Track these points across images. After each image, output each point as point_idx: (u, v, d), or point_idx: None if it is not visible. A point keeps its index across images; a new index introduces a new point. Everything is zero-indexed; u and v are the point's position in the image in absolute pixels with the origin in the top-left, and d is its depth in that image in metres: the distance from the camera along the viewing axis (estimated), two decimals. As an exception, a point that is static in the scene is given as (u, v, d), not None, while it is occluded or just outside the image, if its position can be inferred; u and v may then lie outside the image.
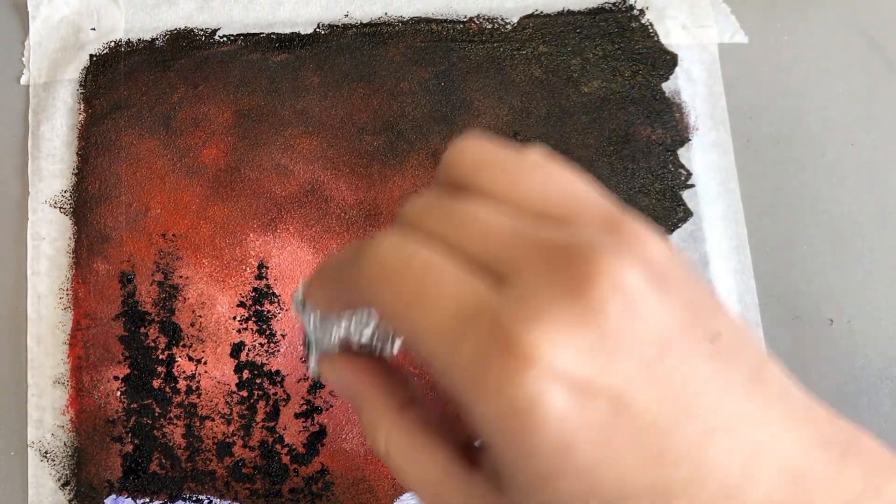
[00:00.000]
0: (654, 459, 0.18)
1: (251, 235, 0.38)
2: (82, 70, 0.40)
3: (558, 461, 0.18)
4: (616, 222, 0.20)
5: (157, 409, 0.36)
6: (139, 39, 0.40)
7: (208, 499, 0.35)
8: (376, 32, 0.40)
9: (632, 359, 0.18)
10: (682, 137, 0.39)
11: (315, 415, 0.36)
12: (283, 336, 0.36)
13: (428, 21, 0.41)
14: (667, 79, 0.40)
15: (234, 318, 0.37)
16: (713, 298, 0.20)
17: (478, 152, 0.22)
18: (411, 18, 0.41)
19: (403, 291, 0.20)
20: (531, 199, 0.21)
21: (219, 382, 0.36)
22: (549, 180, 0.21)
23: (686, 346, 0.18)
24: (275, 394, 0.36)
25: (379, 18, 0.41)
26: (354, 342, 0.23)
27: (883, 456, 0.20)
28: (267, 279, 0.37)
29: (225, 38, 0.40)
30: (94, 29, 0.40)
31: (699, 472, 0.18)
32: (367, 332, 0.24)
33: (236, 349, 0.36)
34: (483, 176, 0.21)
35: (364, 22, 0.41)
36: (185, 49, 0.40)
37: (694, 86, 0.40)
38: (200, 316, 0.37)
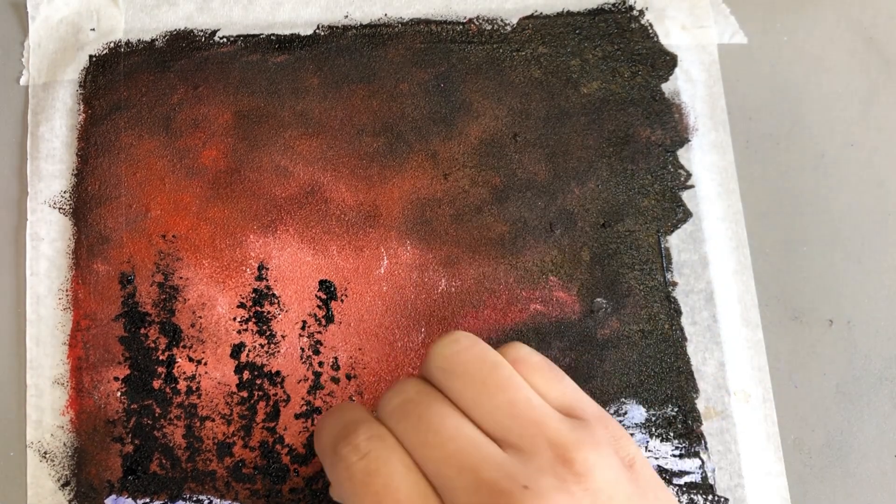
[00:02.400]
0: None
1: (251, 237, 0.38)
2: (82, 71, 0.40)
3: None
4: (567, 455, 0.22)
5: (158, 410, 0.36)
6: (139, 40, 0.40)
7: (209, 499, 0.35)
8: (376, 34, 0.40)
9: None
10: (682, 138, 0.39)
11: (315, 415, 0.36)
12: (283, 337, 0.36)
13: (427, 22, 0.41)
14: (666, 79, 0.40)
15: (235, 318, 0.37)
16: None
17: (455, 357, 0.24)
18: (411, 20, 0.41)
19: (364, 498, 0.22)
20: (494, 421, 0.23)
21: (219, 383, 0.36)
22: (515, 401, 0.23)
23: None
24: (275, 394, 0.36)
25: (378, 20, 0.41)
26: None
27: None
28: (267, 280, 0.37)
29: (225, 39, 0.40)
30: (93, 29, 0.40)
31: None
32: None
33: (236, 350, 0.36)
34: (455, 385, 0.24)
35: (364, 23, 0.41)
36: (184, 50, 0.40)
37: (693, 86, 0.40)
38: (201, 317, 0.37)
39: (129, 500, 0.35)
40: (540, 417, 0.23)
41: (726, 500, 0.35)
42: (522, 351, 0.26)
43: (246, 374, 0.36)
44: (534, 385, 0.25)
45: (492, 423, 0.23)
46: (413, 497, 0.22)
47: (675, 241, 0.38)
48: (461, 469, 0.22)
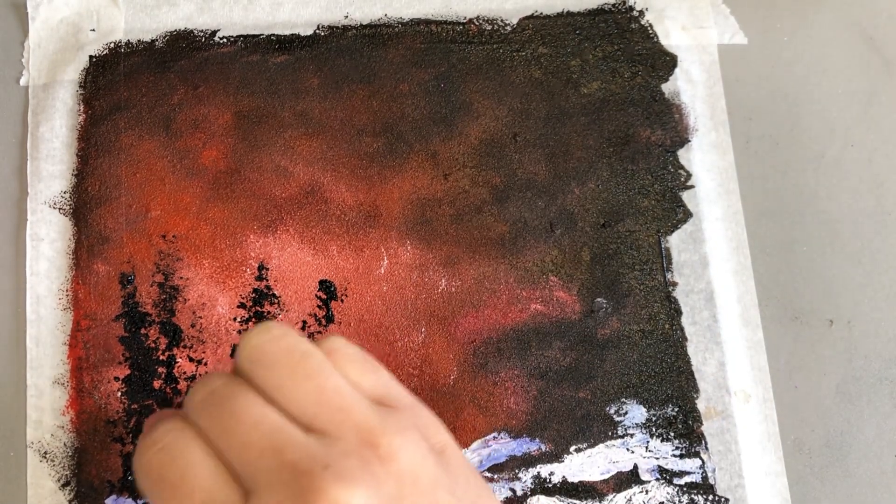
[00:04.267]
0: None
1: (251, 237, 0.38)
2: (82, 71, 0.40)
3: None
4: (372, 440, 0.22)
5: (158, 410, 0.36)
6: (139, 40, 0.40)
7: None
8: (376, 34, 0.40)
9: None
10: (682, 138, 0.39)
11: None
12: (283, 337, 0.36)
13: (427, 22, 0.41)
14: (666, 80, 0.40)
15: (235, 319, 0.37)
16: (467, 491, 0.23)
17: (264, 347, 0.24)
18: (411, 20, 0.41)
19: (161, 498, 0.22)
20: (300, 407, 0.23)
21: (219, 383, 0.36)
22: (324, 388, 0.23)
23: None
24: (275, 395, 0.36)
25: (378, 20, 0.41)
26: None
27: None
28: (267, 280, 0.37)
29: (225, 40, 0.40)
30: (93, 30, 0.40)
31: None
32: None
33: (236, 350, 0.36)
34: (262, 374, 0.23)
35: (364, 23, 0.41)
36: (184, 50, 0.40)
37: (693, 87, 0.40)
38: (201, 317, 0.37)
39: (130, 500, 0.35)
40: (348, 404, 0.23)
41: (727, 500, 0.35)
42: (338, 342, 0.26)
43: (246, 375, 0.36)
44: (347, 375, 0.25)
45: (299, 410, 0.23)
46: (211, 485, 0.22)
47: (676, 242, 0.38)
48: (263, 452, 0.22)
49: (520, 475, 0.35)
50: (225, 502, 0.21)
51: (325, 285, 0.37)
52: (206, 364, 0.36)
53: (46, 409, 0.36)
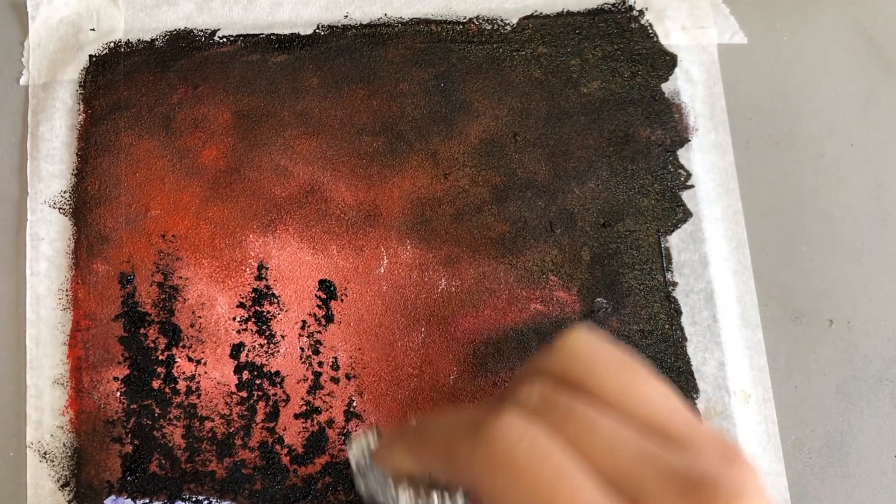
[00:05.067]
0: None
1: (251, 236, 0.38)
2: (82, 71, 0.40)
3: None
4: (731, 454, 0.20)
5: (157, 410, 0.36)
6: (139, 40, 0.40)
7: (208, 499, 0.35)
8: (376, 33, 0.40)
9: None
10: (682, 138, 0.39)
11: (315, 415, 0.36)
12: (282, 337, 0.36)
13: (427, 22, 0.41)
14: (666, 79, 0.40)
15: (234, 318, 0.37)
16: None
17: (592, 350, 0.22)
18: (411, 19, 0.41)
19: (532, 496, 0.19)
20: (647, 413, 0.21)
21: (218, 383, 0.36)
22: (664, 395, 0.21)
23: None
24: (274, 395, 0.36)
25: (378, 19, 0.41)
26: None
27: None
28: (266, 280, 0.37)
29: (224, 39, 0.40)
30: (93, 29, 0.40)
31: None
32: None
33: (236, 350, 0.36)
34: (597, 377, 0.21)
35: (363, 23, 0.41)
36: (184, 50, 0.40)
37: (693, 86, 0.40)
38: (200, 317, 0.37)
39: (129, 500, 0.35)
40: (690, 414, 0.21)
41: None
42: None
43: (245, 374, 0.36)
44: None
45: (646, 413, 0.21)
46: (590, 489, 0.19)
47: (675, 241, 0.38)
48: (639, 459, 0.19)
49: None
50: None
51: (325, 285, 0.37)
52: (205, 364, 0.36)
53: (46, 410, 0.36)
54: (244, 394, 0.36)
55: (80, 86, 0.40)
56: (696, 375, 0.36)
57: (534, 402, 0.21)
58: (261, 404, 0.36)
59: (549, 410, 0.21)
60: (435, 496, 0.23)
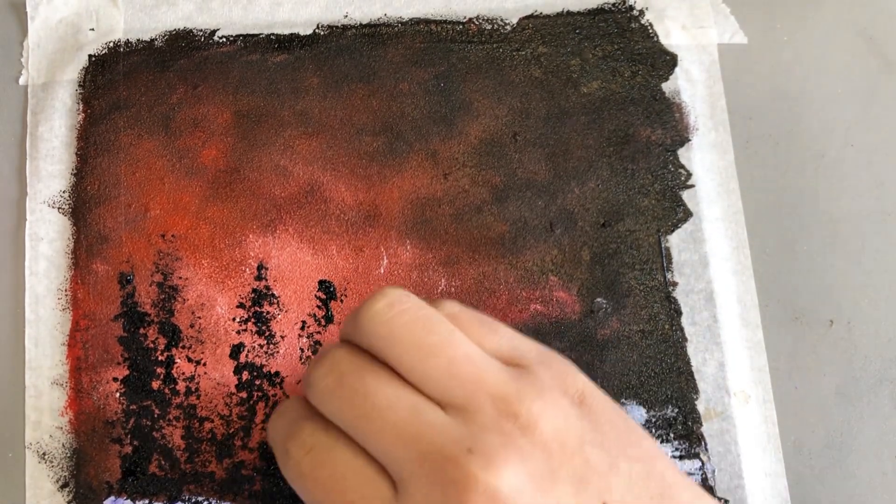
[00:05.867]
0: None
1: (250, 236, 0.37)
2: (81, 70, 0.40)
3: None
4: (510, 409, 0.21)
5: (157, 411, 0.36)
6: (138, 40, 0.40)
7: (207, 500, 0.35)
8: (375, 33, 0.40)
9: None
10: (682, 138, 0.39)
11: (314, 416, 0.36)
12: (282, 337, 0.36)
13: (427, 22, 0.41)
14: (666, 79, 0.40)
15: (234, 319, 0.37)
16: (615, 455, 0.22)
17: (387, 321, 0.23)
18: (410, 19, 0.41)
19: (314, 497, 0.22)
20: (434, 383, 0.22)
21: (218, 384, 0.36)
22: (454, 359, 0.22)
23: None
24: (274, 395, 0.36)
25: (378, 19, 0.41)
26: None
27: None
28: (266, 280, 0.37)
29: (224, 39, 0.40)
30: (92, 29, 0.40)
31: None
32: None
33: (235, 350, 0.36)
34: (391, 351, 0.23)
35: (363, 23, 0.41)
36: (184, 50, 0.40)
37: (694, 86, 0.40)
38: (200, 317, 0.37)
39: (128, 501, 0.35)
40: (480, 373, 0.22)
41: (726, 501, 0.35)
42: (455, 307, 0.25)
43: (245, 375, 0.36)
44: (471, 339, 0.24)
45: (432, 386, 0.22)
46: (360, 483, 0.22)
47: (676, 241, 0.38)
48: (402, 441, 0.21)
49: (519, 475, 0.35)
50: (377, 498, 0.21)
51: (325, 285, 0.37)
52: (204, 364, 0.36)
53: (45, 410, 0.36)
54: (244, 394, 0.36)
55: (79, 86, 0.39)
56: (696, 376, 0.36)
57: (326, 383, 0.23)
58: (261, 405, 0.36)
59: (339, 389, 0.23)
60: None
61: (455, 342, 0.23)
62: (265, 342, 0.36)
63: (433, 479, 0.20)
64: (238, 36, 0.40)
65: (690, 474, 0.35)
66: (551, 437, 0.21)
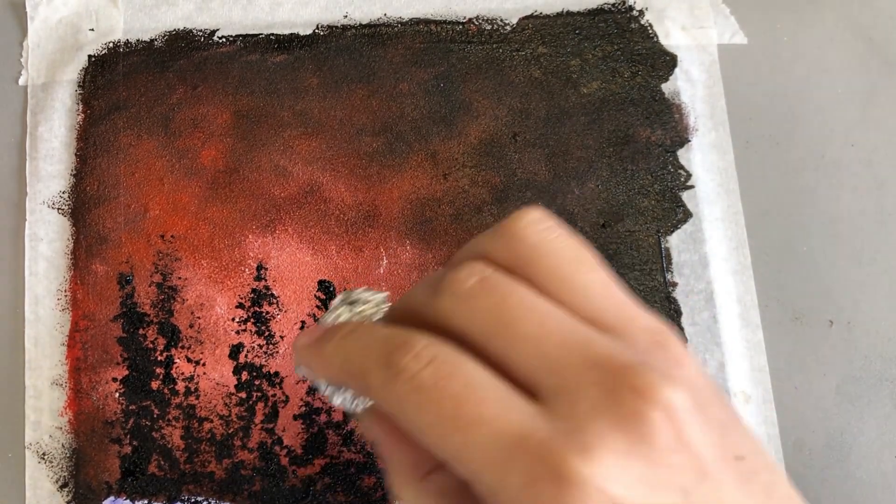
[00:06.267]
0: None
1: (250, 237, 0.37)
2: (81, 71, 0.40)
3: None
4: (662, 341, 0.20)
5: (156, 411, 0.36)
6: (138, 40, 0.40)
7: (207, 500, 0.35)
8: (375, 33, 0.40)
9: (674, 488, 0.18)
10: (682, 138, 0.39)
11: (314, 416, 0.36)
12: (281, 337, 0.36)
13: (427, 22, 0.41)
14: (666, 80, 0.40)
15: (233, 319, 0.37)
16: (736, 415, 0.21)
17: (547, 234, 0.21)
18: (410, 19, 0.41)
19: (441, 413, 0.19)
20: (587, 303, 0.20)
21: (217, 384, 0.36)
22: (605, 284, 0.21)
23: (718, 471, 0.19)
24: (273, 395, 0.36)
25: (378, 19, 0.41)
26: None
27: None
28: (266, 280, 0.37)
29: (224, 39, 0.40)
30: (92, 30, 0.40)
31: None
32: None
33: (235, 350, 0.36)
34: (549, 261, 0.21)
35: (363, 23, 0.41)
36: (183, 50, 0.40)
37: (693, 87, 0.40)
38: (199, 317, 0.36)
39: (127, 501, 0.35)
40: (631, 305, 0.21)
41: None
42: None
43: (244, 375, 0.36)
44: None
45: (586, 303, 0.20)
46: (501, 391, 0.19)
47: (675, 242, 0.38)
48: (566, 347, 0.19)
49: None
50: (522, 409, 0.19)
51: (324, 285, 0.37)
52: (204, 365, 0.36)
53: (45, 410, 0.36)
54: (243, 394, 0.36)
55: (79, 86, 0.39)
56: (697, 376, 0.36)
57: (470, 285, 0.21)
58: (260, 405, 0.36)
59: (486, 292, 0.20)
60: (359, 403, 0.23)
61: (604, 267, 0.21)
62: (264, 342, 0.36)
63: (605, 388, 0.18)
64: (238, 36, 0.40)
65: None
66: (696, 378, 0.20)
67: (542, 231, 0.21)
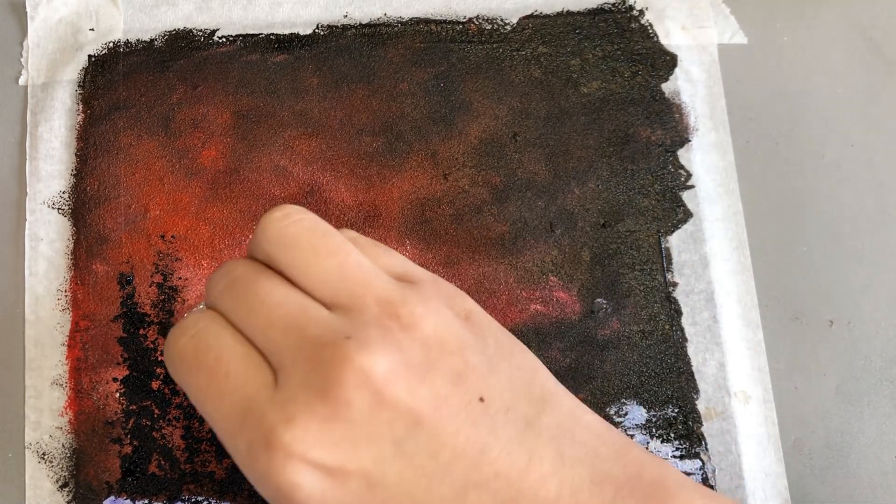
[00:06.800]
0: None
1: (250, 237, 0.37)
2: (81, 71, 0.40)
3: None
4: (394, 311, 0.22)
5: (157, 411, 0.36)
6: (138, 40, 0.40)
7: (207, 500, 0.35)
8: (375, 33, 0.40)
9: (380, 441, 0.20)
10: (682, 138, 0.39)
11: (314, 416, 0.36)
12: (282, 337, 0.36)
13: (427, 22, 0.41)
14: (666, 79, 0.40)
15: (233, 319, 0.37)
16: (494, 359, 0.23)
17: (285, 228, 0.23)
18: (410, 19, 0.41)
19: (198, 383, 0.22)
20: (323, 284, 0.23)
21: (218, 384, 0.36)
22: (345, 264, 0.23)
23: (439, 418, 0.21)
24: (274, 395, 0.36)
25: (378, 19, 0.41)
26: None
27: (667, 489, 0.22)
28: (266, 280, 0.37)
29: (224, 39, 0.40)
30: (92, 29, 0.40)
31: None
32: None
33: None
34: (285, 255, 0.23)
35: (363, 23, 0.41)
36: (183, 50, 0.40)
37: (694, 86, 0.40)
38: (199, 317, 0.37)
39: (128, 501, 0.35)
40: (369, 278, 0.23)
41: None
42: (353, 233, 0.26)
43: (245, 375, 0.36)
44: (366, 256, 0.25)
45: (321, 288, 0.23)
46: (244, 367, 0.22)
47: (676, 242, 0.38)
48: (287, 330, 0.22)
49: (519, 476, 0.35)
50: (256, 382, 0.22)
51: (325, 285, 0.37)
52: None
53: (45, 410, 0.36)
54: (244, 394, 0.36)
55: (79, 86, 0.39)
56: (697, 376, 0.36)
57: (221, 286, 0.24)
58: (260, 405, 0.36)
59: (232, 290, 0.23)
60: None
61: (348, 250, 0.23)
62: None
63: (311, 363, 0.21)
64: (238, 36, 0.40)
65: (690, 474, 0.35)
66: (431, 336, 0.22)
67: (282, 228, 0.23)
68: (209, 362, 0.22)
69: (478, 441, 0.21)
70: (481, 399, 0.21)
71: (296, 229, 0.24)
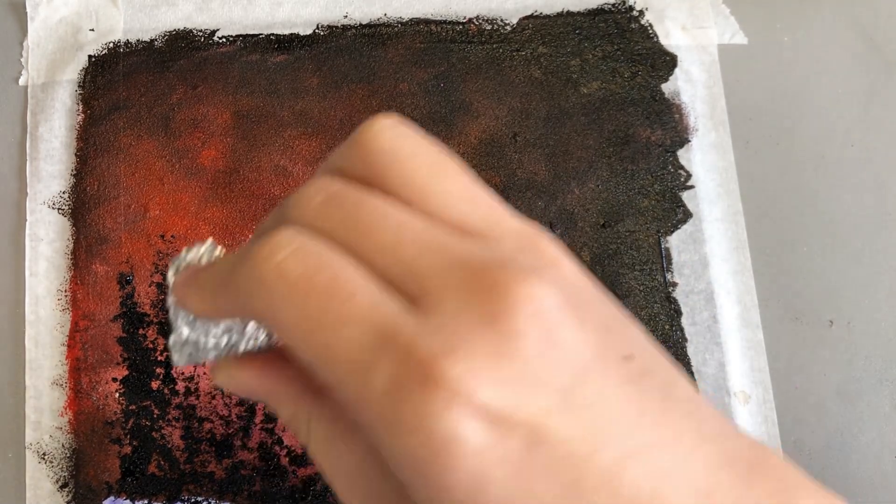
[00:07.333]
0: (570, 489, 0.17)
1: (250, 237, 0.37)
2: (81, 71, 0.40)
3: (474, 497, 0.16)
4: (532, 241, 0.19)
5: (156, 411, 0.36)
6: (138, 40, 0.40)
7: (207, 500, 0.35)
8: (375, 33, 0.40)
9: (549, 390, 0.17)
10: (682, 138, 0.39)
11: (314, 416, 0.36)
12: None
13: (427, 22, 0.41)
14: (666, 80, 0.40)
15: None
16: (624, 317, 0.19)
17: (397, 140, 0.19)
18: (410, 19, 0.41)
19: (307, 310, 0.17)
20: (447, 209, 0.19)
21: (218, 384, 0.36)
22: (467, 188, 0.20)
23: (600, 372, 0.17)
24: (274, 395, 0.36)
25: (378, 19, 0.41)
26: (242, 349, 0.21)
27: (789, 474, 0.19)
28: (266, 280, 0.37)
29: (224, 39, 0.40)
30: (92, 30, 0.40)
31: (614, 499, 0.17)
32: (261, 338, 0.22)
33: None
34: (398, 170, 0.19)
35: (363, 23, 0.41)
36: (183, 50, 0.40)
37: (693, 87, 0.40)
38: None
39: (127, 501, 0.35)
40: (497, 205, 0.20)
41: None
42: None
43: (245, 375, 0.36)
44: None
45: (447, 211, 0.19)
46: (370, 287, 0.17)
47: (676, 242, 0.38)
48: (426, 250, 0.18)
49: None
50: (391, 306, 0.17)
51: (325, 285, 0.37)
52: (204, 364, 0.36)
53: (45, 410, 0.36)
54: (243, 394, 0.36)
55: (79, 86, 0.39)
56: (697, 376, 0.36)
57: (317, 204, 0.19)
58: (260, 405, 0.36)
59: (337, 206, 0.19)
60: (233, 334, 0.21)
61: (467, 171, 0.20)
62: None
63: (468, 288, 0.17)
64: (238, 36, 0.40)
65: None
66: (572, 279, 0.19)
67: (394, 138, 0.19)
68: (323, 282, 0.17)
69: (629, 408, 0.17)
70: (627, 357, 0.18)
71: (412, 140, 0.19)
